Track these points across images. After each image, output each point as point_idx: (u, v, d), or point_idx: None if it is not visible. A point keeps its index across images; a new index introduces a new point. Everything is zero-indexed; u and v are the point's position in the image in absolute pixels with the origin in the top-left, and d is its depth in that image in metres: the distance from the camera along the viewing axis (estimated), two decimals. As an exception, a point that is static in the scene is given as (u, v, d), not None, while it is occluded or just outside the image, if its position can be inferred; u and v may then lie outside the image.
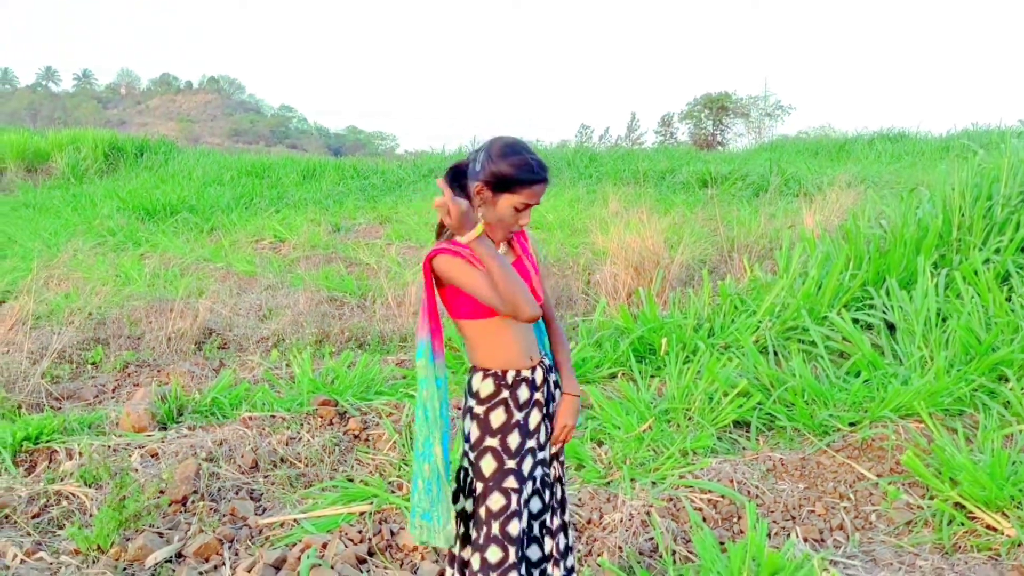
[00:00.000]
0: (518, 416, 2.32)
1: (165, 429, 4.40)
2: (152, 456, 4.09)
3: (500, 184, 2.19)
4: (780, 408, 4.80)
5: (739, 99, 48.87)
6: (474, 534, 2.34)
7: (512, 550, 2.27)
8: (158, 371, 5.57)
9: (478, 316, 2.27)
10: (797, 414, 4.70)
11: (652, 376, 5.44)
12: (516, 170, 2.17)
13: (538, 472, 2.40)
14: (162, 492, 3.70)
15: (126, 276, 8.66)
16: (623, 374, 5.52)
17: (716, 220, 10.08)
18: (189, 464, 3.83)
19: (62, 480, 3.73)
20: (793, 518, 3.88)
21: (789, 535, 3.71)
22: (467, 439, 2.37)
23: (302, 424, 4.48)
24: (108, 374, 5.56)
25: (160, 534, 3.45)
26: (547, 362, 2.45)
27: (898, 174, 15.10)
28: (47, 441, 4.05)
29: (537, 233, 11.55)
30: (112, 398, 5.09)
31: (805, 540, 3.69)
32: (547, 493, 2.45)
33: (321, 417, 4.59)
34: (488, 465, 2.31)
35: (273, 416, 4.49)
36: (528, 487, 2.35)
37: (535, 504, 2.42)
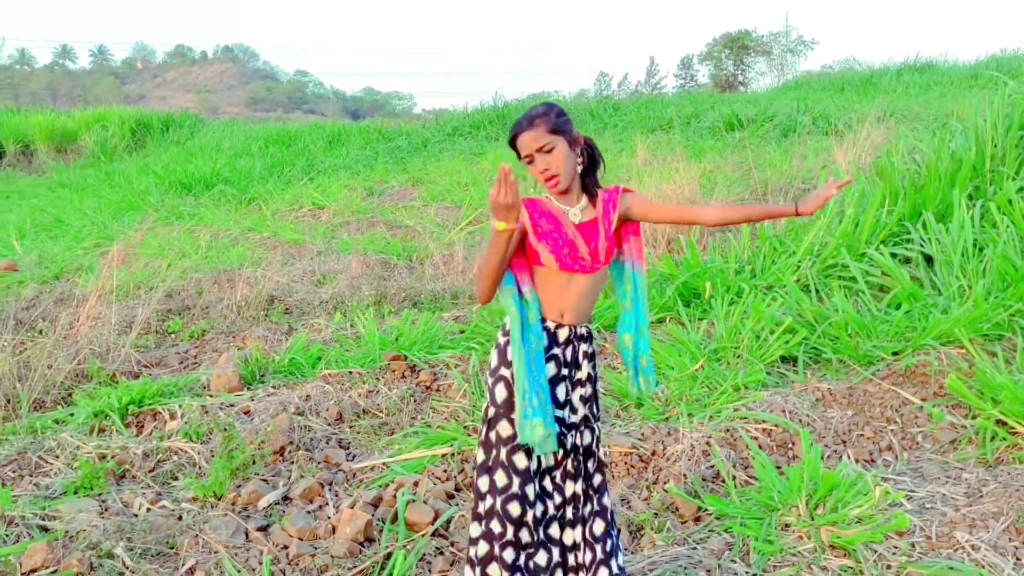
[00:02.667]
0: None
1: (251, 389, 4.74)
2: (245, 413, 4.43)
3: (515, 152, 2.46)
4: (825, 342, 5.05)
5: (760, 36, 48.14)
6: (481, 456, 2.52)
7: (516, 480, 2.45)
8: (232, 337, 5.91)
9: (525, 258, 2.49)
10: (842, 346, 4.95)
11: (699, 319, 5.70)
12: (510, 135, 2.46)
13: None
14: (262, 444, 4.03)
15: (182, 250, 9.01)
16: (671, 319, 5.78)
17: (747, 163, 10.20)
18: (283, 418, 4.16)
19: (170, 438, 4.08)
20: (844, 442, 4.16)
21: (841, 458, 3.99)
22: (489, 367, 2.57)
23: (377, 378, 4.81)
24: (188, 342, 5.93)
25: (266, 481, 3.79)
26: (581, 331, 2.54)
27: (927, 106, 15.04)
28: (150, 404, 4.41)
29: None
30: (196, 363, 5.45)
31: (856, 461, 3.97)
32: (560, 450, 2.51)
33: (393, 371, 4.91)
34: (500, 392, 2.48)
35: (350, 372, 4.82)
36: None
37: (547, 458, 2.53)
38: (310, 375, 4.91)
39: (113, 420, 4.25)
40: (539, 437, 2.39)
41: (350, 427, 4.35)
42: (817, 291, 5.78)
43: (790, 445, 4.11)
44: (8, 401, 4.68)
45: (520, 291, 2.54)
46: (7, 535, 3.22)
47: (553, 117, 2.48)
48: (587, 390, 2.57)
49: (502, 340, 2.54)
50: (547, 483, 2.54)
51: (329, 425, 4.36)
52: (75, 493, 3.66)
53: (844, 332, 5.04)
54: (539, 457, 2.50)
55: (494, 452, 2.49)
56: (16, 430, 4.16)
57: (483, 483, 2.52)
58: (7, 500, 3.43)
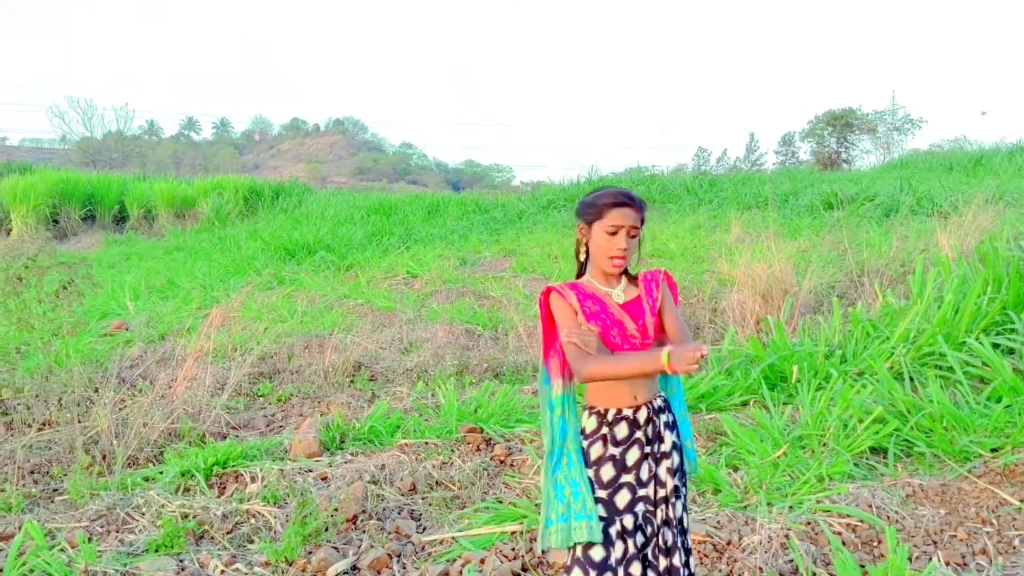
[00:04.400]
0: (613, 451, 2.50)
1: (331, 455, 4.84)
2: (322, 479, 4.52)
3: (590, 214, 2.49)
4: (918, 435, 4.83)
5: (864, 115, 47.29)
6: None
7: (592, 574, 2.44)
8: (318, 402, 6.08)
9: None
10: (936, 440, 4.72)
11: (784, 404, 5.54)
12: (600, 199, 2.49)
13: (639, 508, 2.50)
14: (336, 511, 4.10)
15: (279, 314, 9.35)
16: (755, 402, 5.64)
17: (844, 244, 9.97)
18: (358, 486, 4.23)
19: (249, 500, 4.19)
20: (934, 543, 3.93)
21: (930, 559, 3.77)
22: None
23: (452, 450, 4.84)
24: (275, 405, 6.12)
25: (336, 548, 3.84)
26: (657, 403, 2.57)
27: (1040, 189, 14.44)
28: (233, 466, 4.56)
29: (659, 262, 11.71)
30: (281, 427, 5.61)
31: (947, 564, 3.74)
32: (648, 528, 2.52)
33: (469, 443, 4.94)
34: None
35: (426, 443, 4.87)
36: (627, 520, 2.47)
37: (638, 538, 2.51)
38: (388, 443, 4.98)
39: (198, 480, 4.40)
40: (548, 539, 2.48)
41: (423, 498, 4.38)
42: (911, 380, 5.55)
43: (876, 543, 3.91)
44: (104, 457, 4.91)
45: (549, 387, 2.59)
46: (89, 588, 3.35)
47: (646, 210, 2.59)
48: (673, 460, 2.57)
49: (584, 443, 2.57)
50: (635, 569, 2.50)
51: (403, 495, 4.40)
52: (156, 551, 3.79)
53: (939, 425, 4.81)
54: (627, 541, 2.49)
55: (573, 553, 2.52)
56: (108, 486, 4.35)
57: None
58: (92, 555, 3.57)
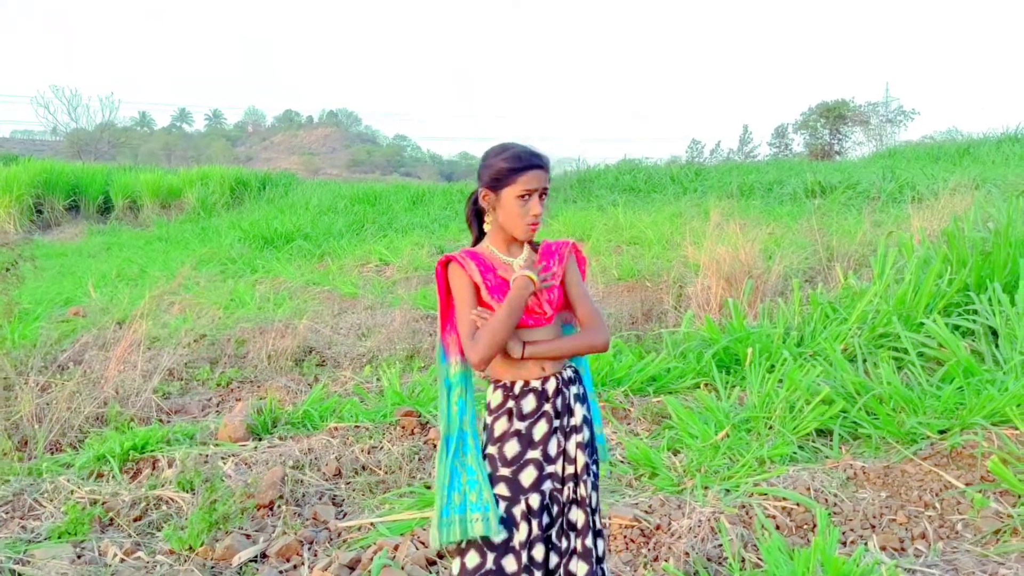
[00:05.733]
0: (519, 425, 2.33)
1: (259, 440, 4.68)
2: (246, 464, 4.35)
3: (497, 180, 2.28)
4: (865, 417, 4.67)
5: (857, 106, 47.08)
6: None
7: (491, 556, 2.28)
8: (259, 387, 5.91)
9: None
10: (882, 422, 4.56)
11: (735, 387, 5.38)
12: (507, 161, 2.28)
13: (546, 486, 2.33)
14: (250, 496, 3.93)
15: (240, 300, 9.17)
16: (706, 385, 5.48)
17: (815, 229, 9.81)
18: (276, 471, 4.06)
19: (162, 486, 4.02)
20: (872, 527, 3.78)
21: (867, 544, 3.61)
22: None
23: (384, 434, 4.67)
24: (213, 390, 5.95)
25: (248, 536, 3.67)
26: (567, 374, 2.41)
27: None
28: (151, 451, 4.39)
29: (634, 249, 11.54)
30: (216, 412, 5.44)
31: (883, 549, 3.58)
32: (555, 507, 2.35)
33: (403, 427, 4.77)
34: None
35: (357, 426, 4.70)
36: (533, 499, 2.30)
37: (544, 519, 2.34)
38: (320, 428, 4.81)
39: (112, 465, 4.23)
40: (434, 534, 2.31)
41: (347, 484, 4.21)
42: (864, 361, 5.39)
43: (811, 527, 3.76)
44: (25, 443, 4.74)
45: (446, 364, 2.41)
46: (-28, 575, 3.19)
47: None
48: (584, 435, 2.40)
49: (488, 418, 2.40)
50: (537, 552, 2.32)
51: (326, 480, 4.23)
52: (59, 538, 3.62)
53: (887, 407, 4.65)
54: (531, 522, 2.31)
55: None
56: (17, 471, 4.18)
57: (455, 567, 2.35)
58: (-16, 542, 3.41)
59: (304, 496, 4.04)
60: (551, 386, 2.37)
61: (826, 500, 3.92)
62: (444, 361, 2.42)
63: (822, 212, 12.72)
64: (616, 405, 5.16)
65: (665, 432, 4.76)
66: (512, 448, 2.34)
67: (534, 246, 2.48)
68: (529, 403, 2.35)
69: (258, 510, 3.90)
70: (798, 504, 3.85)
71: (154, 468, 4.30)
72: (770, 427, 4.69)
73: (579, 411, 2.41)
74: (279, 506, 3.93)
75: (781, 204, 15.46)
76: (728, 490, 4.05)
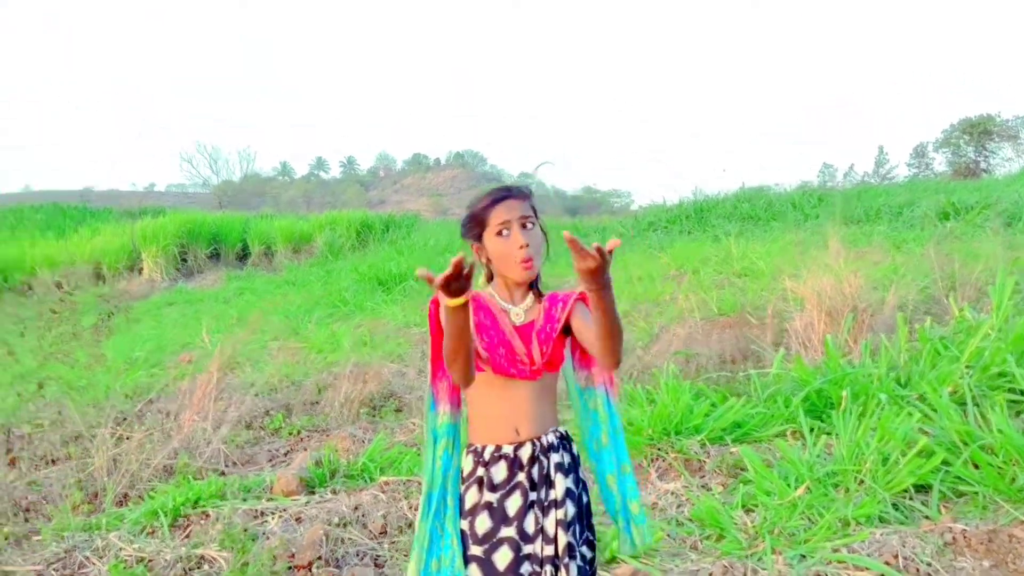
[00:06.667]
0: (490, 497, 2.09)
1: (312, 494, 4.58)
2: (296, 520, 4.25)
3: (474, 227, 2.14)
4: (966, 471, 4.11)
5: (1004, 121, 44.08)
6: None
7: None
8: (328, 435, 5.85)
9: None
10: (989, 477, 4.00)
11: (827, 434, 4.89)
12: (476, 205, 2.14)
13: (524, 570, 2.07)
14: (291, 556, 3.81)
15: (337, 343, 9.27)
16: (793, 433, 5.02)
17: (941, 256, 9.03)
18: (316, 530, 3.93)
19: (205, 545, 3.96)
20: (970, 604, 3.28)
21: (961, 625, 3.13)
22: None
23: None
24: (284, 440, 5.94)
25: (281, 598, 3.55)
26: (548, 440, 2.15)
27: None
28: (203, 506, 4.36)
29: (742, 281, 10.99)
30: (284, 463, 5.41)
31: (979, 631, 3.09)
32: None
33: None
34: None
35: (409, 480, 4.53)
36: None
37: None
38: (376, 481, 4.67)
39: (162, 522, 4.21)
40: None
41: (391, 543, 4.03)
42: (977, 406, 4.79)
43: (896, 602, 3.29)
44: (95, 495, 4.83)
45: (434, 413, 2.21)
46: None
47: (533, 197, 2.20)
48: (568, 511, 2.12)
49: (462, 487, 2.17)
50: None
51: (371, 539, 4.06)
52: (102, 596, 3.61)
53: (996, 458, 4.08)
54: None
55: None
56: (72, 527, 4.22)
57: None
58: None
59: (344, 556, 3.89)
60: (525, 453, 2.12)
61: (917, 570, 3.44)
62: (432, 409, 2.22)
63: (954, 236, 11.81)
64: (690, 456, 4.78)
65: (740, 488, 4.35)
66: (483, 524, 2.10)
67: (539, 295, 2.26)
68: (500, 472, 2.11)
69: (297, 571, 3.77)
70: (882, 575, 3.39)
71: (204, 523, 4.27)
72: (860, 482, 4.21)
73: (561, 483, 2.13)
74: (317, 568, 3.79)
75: (910, 228, 14.45)
76: (803, 555, 3.63)
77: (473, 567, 2.08)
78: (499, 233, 2.09)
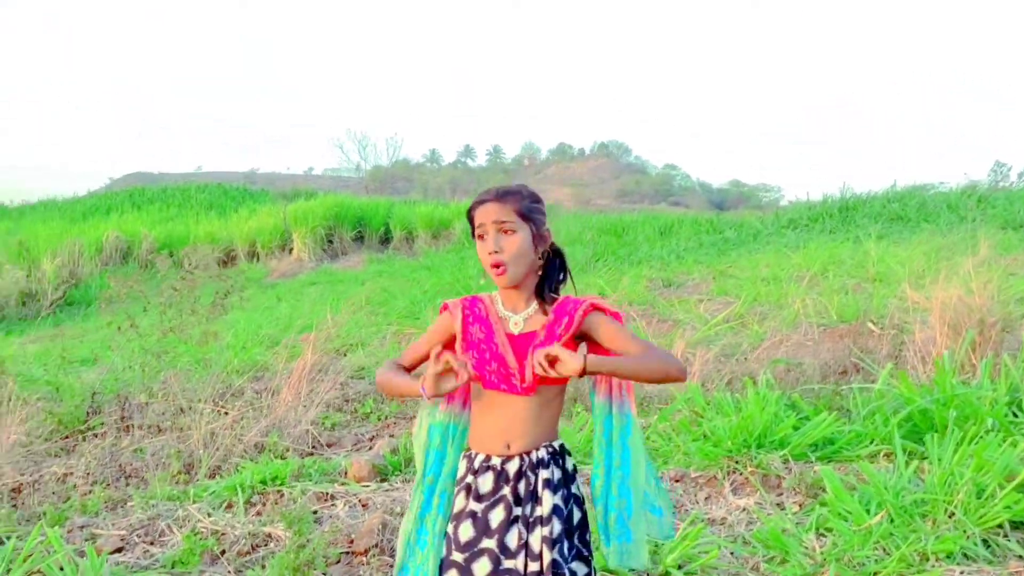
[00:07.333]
0: (475, 507, 2.08)
1: (384, 481, 4.68)
2: (363, 506, 4.37)
3: (471, 228, 2.15)
4: (1073, 511, 3.72)
5: None
6: None
7: None
8: (412, 421, 5.97)
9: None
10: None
11: (924, 459, 4.55)
12: (469, 209, 2.15)
13: None
14: (351, 542, 3.92)
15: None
16: (886, 454, 4.71)
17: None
18: (375, 517, 4.02)
19: (272, 523, 4.13)
20: (1051, 660, 2.97)
21: None
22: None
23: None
24: (373, 424, 6.10)
25: (333, 584, 3.66)
26: (538, 455, 2.10)
27: None
28: (279, 485, 4.54)
29: (875, 287, 10.38)
30: (367, 447, 5.56)
31: None
32: None
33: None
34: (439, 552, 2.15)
35: (477, 473, 4.55)
36: None
37: None
38: (448, 472, 4.72)
39: (239, 498, 4.42)
40: None
41: (449, 535, 4.07)
42: (1100, 438, 4.33)
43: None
44: (192, 466, 5.13)
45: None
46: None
47: (526, 200, 2.14)
48: (554, 528, 2.08)
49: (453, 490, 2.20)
50: None
51: (430, 530, 4.12)
52: (172, 567, 3.83)
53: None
54: None
55: None
56: (159, 495, 4.50)
57: None
58: (98, 569, 3.65)
59: (401, 546, 3.96)
60: (512, 467, 2.09)
61: (994, 617, 3.15)
62: (435, 405, 2.25)
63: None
64: (769, 471, 4.57)
65: (816, 508, 4.12)
66: (466, 531, 2.09)
67: (552, 300, 2.20)
68: (486, 482, 2.09)
69: (354, 556, 3.87)
70: (953, 617, 3.13)
71: (278, 502, 4.45)
72: (950, 514, 3.89)
73: (548, 500, 2.08)
74: (373, 555, 3.87)
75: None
76: (870, 589, 3.40)
77: (453, 572, 2.07)
78: (479, 237, 2.08)
